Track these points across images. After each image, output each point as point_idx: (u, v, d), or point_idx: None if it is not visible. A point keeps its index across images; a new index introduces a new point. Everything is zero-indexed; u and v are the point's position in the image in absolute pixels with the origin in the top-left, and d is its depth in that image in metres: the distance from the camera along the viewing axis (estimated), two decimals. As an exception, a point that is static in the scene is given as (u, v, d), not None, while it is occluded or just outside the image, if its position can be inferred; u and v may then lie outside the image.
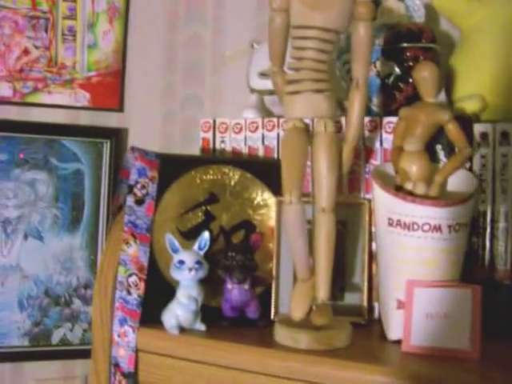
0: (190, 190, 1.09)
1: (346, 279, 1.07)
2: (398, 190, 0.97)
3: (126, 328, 1.02)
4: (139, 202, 1.05)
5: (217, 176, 1.10)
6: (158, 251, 1.06)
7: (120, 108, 1.50)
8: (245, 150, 1.19)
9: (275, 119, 1.15)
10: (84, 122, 1.47)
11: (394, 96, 1.11)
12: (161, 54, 1.53)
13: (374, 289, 1.06)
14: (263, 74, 1.22)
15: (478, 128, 1.04)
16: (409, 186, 0.97)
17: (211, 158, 1.19)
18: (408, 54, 1.11)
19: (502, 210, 1.03)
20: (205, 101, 1.49)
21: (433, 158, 1.01)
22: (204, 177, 1.10)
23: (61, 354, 1.43)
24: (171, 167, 1.09)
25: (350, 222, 1.07)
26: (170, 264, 1.01)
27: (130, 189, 1.05)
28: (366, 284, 1.05)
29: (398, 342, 0.93)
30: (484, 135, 1.04)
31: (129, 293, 1.03)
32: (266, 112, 1.23)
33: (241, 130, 1.19)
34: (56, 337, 1.43)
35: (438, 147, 1.02)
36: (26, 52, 1.41)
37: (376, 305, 1.07)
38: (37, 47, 1.42)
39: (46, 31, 1.43)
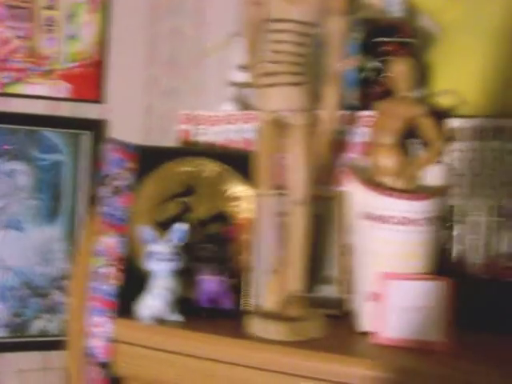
0: (167, 182, 1.10)
1: (322, 272, 1.08)
2: (374, 183, 0.98)
3: (101, 318, 1.02)
4: (116, 193, 1.06)
5: (193, 168, 1.11)
6: (136, 242, 1.06)
7: (101, 100, 1.49)
8: (223, 143, 1.20)
9: (254, 112, 1.16)
10: (65, 113, 1.47)
11: (371, 90, 1.12)
12: (143, 46, 1.53)
13: (348, 281, 1.07)
14: (242, 67, 1.22)
15: (453, 122, 1.05)
16: (385, 180, 0.98)
17: (188, 150, 1.20)
18: (385, 48, 1.11)
19: (475, 204, 1.04)
20: (186, 93, 1.49)
21: (408, 151, 1.02)
22: (181, 169, 1.10)
23: (40, 344, 1.44)
24: (149, 159, 1.09)
25: (324, 215, 1.08)
26: (146, 255, 1.02)
27: (107, 180, 1.06)
28: (340, 276, 1.06)
29: (372, 333, 0.94)
30: (460, 130, 1.05)
31: (105, 283, 1.03)
32: (245, 105, 1.24)
33: (219, 122, 1.20)
34: (35, 328, 1.43)
35: (414, 141, 1.02)
36: (6, 42, 1.41)
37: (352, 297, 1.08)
38: (17, 37, 1.42)
39: (27, 21, 1.42)
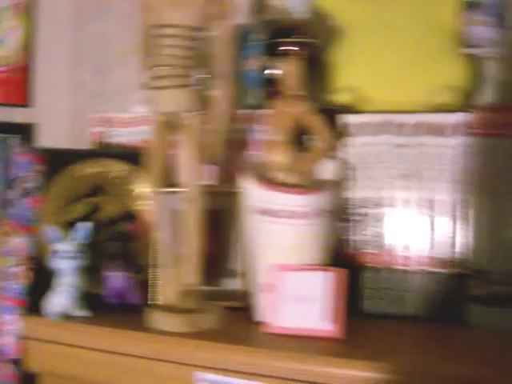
0: (74, 183, 1.13)
1: (223, 265, 1.12)
2: (266, 179, 1.02)
3: (10, 316, 1.06)
4: (24, 194, 1.09)
5: (101, 169, 1.15)
6: (44, 242, 1.09)
7: (29, 104, 1.52)
8: (137, 144, 1.23)
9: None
10: (-9, 118, 1.49)
11: (268, 89, 1.16)
12: (68, 49, 1.56)
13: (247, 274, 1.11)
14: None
15: (347, 118, 1.10)
16: (277, 176, 1.02)
17: (96, 151, 1.24)
18: (281, 48, 1.15)
19: (369, 197, 1.08)
20: (111, 96, 1.52)
21: (305, 147, 1.06)
22: (89, 170, 1.14)
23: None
24: (56, 161, 1.12)
25: (225, 211, 1.12)
26: (51, 253, 1.05)
27: (15, 183, 1.09)
28: (240, 269, 1.10)
29: (265, 323, 0.98)
30: (354, 126, 1.10)
31: (14, 282, 1.07)
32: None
33: (132, 124, 1.23)
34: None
35: (305, 137, 1.07)
36: None
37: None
38: None
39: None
